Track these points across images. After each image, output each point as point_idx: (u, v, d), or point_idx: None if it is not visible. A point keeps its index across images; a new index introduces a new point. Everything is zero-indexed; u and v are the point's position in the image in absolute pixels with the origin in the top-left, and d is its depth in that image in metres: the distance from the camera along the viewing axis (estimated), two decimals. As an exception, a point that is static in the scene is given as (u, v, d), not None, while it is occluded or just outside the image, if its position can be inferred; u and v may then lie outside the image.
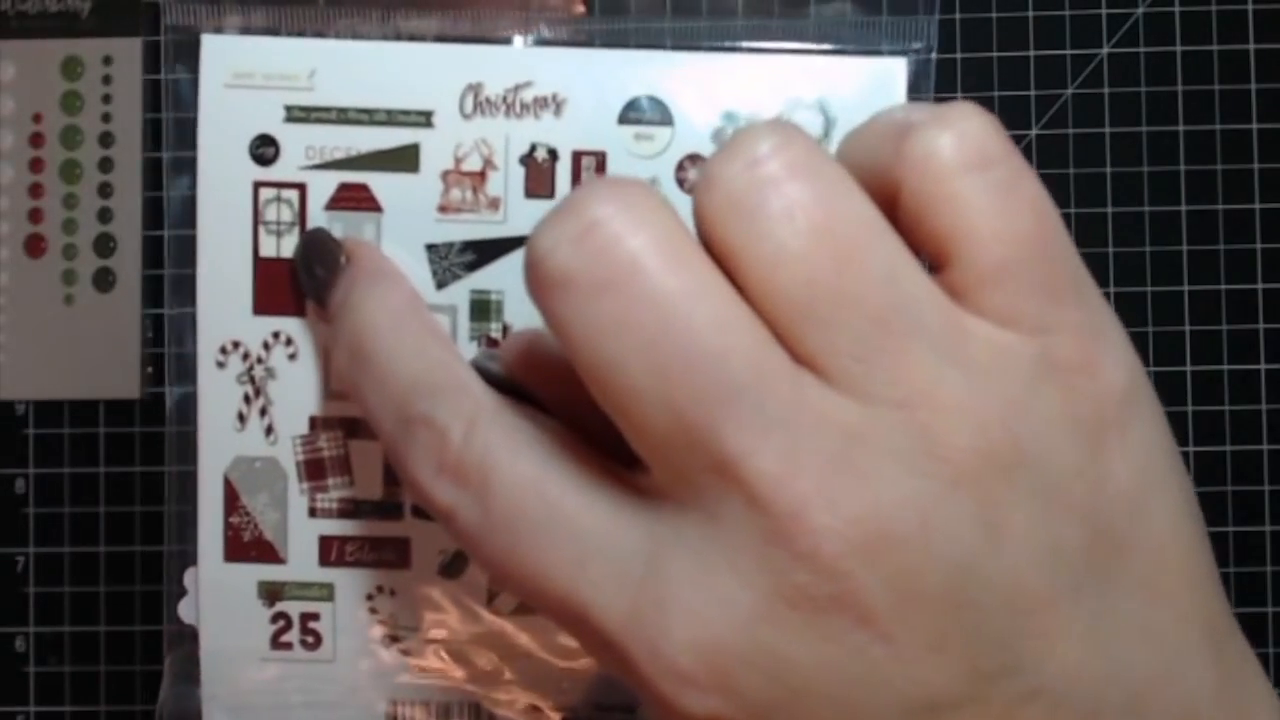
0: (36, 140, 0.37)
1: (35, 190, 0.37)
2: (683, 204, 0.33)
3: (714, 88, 0.31)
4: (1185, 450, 0.41)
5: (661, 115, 0.31)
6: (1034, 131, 0.41)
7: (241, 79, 0.30)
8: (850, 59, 0.31)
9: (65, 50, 0.37)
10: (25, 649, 0.38)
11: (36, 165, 0.37)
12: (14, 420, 0.39)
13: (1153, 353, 0.40)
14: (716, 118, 0.31)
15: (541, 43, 0.31)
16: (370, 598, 0.31)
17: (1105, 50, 0.40)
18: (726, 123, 0.31)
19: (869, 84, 0.31)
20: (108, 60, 0.36)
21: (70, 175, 0.37)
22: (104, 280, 0.36)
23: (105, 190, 0.37)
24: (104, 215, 0.37)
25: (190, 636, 0.32)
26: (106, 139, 0.36)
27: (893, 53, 0.31)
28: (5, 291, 0.38)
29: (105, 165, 0.37)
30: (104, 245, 0.36)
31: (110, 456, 0.37)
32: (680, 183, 0.31)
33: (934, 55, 0.34)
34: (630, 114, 0.30)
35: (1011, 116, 0.40)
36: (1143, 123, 0.40)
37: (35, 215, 0.37)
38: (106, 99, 0.36)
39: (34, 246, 0.37)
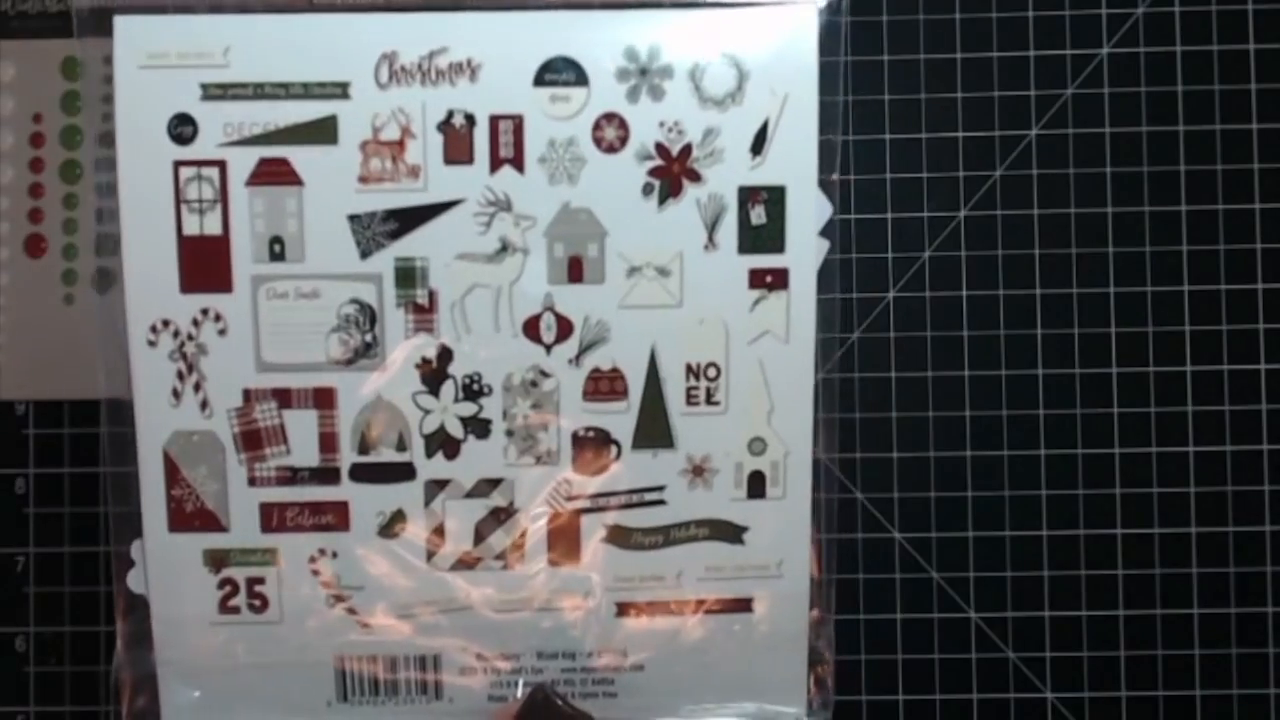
0: (36, 140, 0.37)
1: (35, 190, 0.37)
2: (599, 163, 0.31)
3: (628, 45, 0.31)
4: (1185, 450, 0.40)
5: (576, 75, 0.31)
6: (1034, 131, 0.40)
7: (156, 59, 0.31)
8: (761, 9, 0.32)
9: (65, 50, 0.37)
10: (25, 649, 0.38)
11: (36, 165, 0.37)
12: (14, 420, 0.40)
13: (1153, 353, 0.40)
14: (632, 76, 0.31)
15: (455, 8, 0.31)
16: (313, 560, 0.32)
17: (1105, 50, 0.40)
18: (641, 80, 0.31)
19: (781, 34, 0.32)
20: (108, 60, 0.36)
21: (70, 175, 0.37)
22: (104, 280, 0.37)
23: (105, 190, 0.37)
24: (104, 215, 0.37)
25: (143, 603, 0.32)
26: (107, 139, 0.37)
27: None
28: (5, 291, 0.38)
29: (105, 165, 0.37)
30: (104, 245, 0.37)
31: (110, 457, 0.38)
32: (597, 142, 0.31)
33: (847, 19, 0.34)
34: (545, 76, 0.31)
35: (1011, 116, 0.40)
36: (1143, 123, 0.39)
37: (35, 215, 0.37)
38: (106, 99, 0.36)
39: (34, 246, 0.37)
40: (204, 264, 0.31)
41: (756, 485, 0.33)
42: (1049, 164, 0.40)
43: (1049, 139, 0.40)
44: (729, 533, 0.33)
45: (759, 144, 0.32)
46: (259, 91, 0.31)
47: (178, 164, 0.31)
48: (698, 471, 0.32)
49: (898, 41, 0.40)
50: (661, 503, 0.32)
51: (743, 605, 0.33)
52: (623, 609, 0.33)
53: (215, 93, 0.31)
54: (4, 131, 0.38)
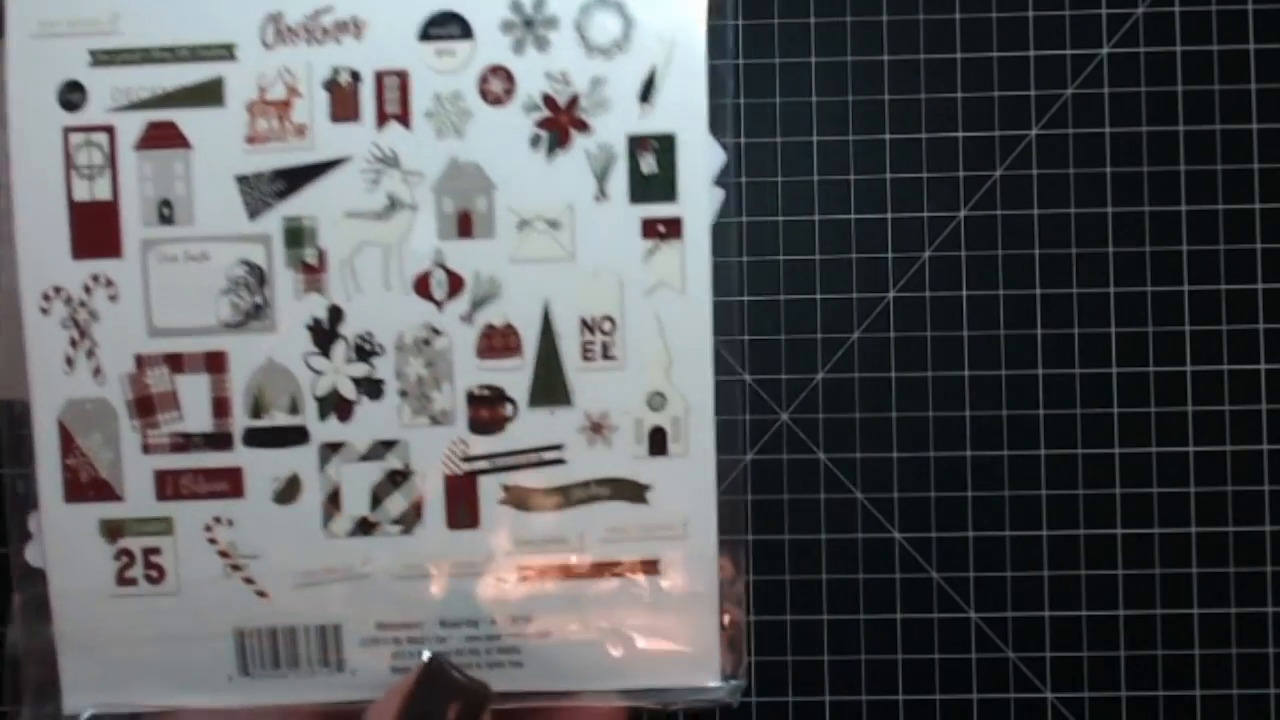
0: None
1: None
2: (486, 116, 0.30)
3: None
4: (1185, 450, 0.40)
5: (461, 29, 0.30)
6: (1034, 131, 0.40)
7: (47, 28, 0.30)
8: None
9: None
10: None
11: None
12: (14, 420, 0.40)
13: (1153, 353, 0.40)
14: (517, 28, 0.31)
15: None
16: (209, 529, 0.31)
17: (1105, 50, 0.39)
18: (526, 32, 0.30)
19: None
20: None
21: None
22: None
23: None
24: None
25: (41, 576, 0.31)
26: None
27: None
28: (4, 291, 0.39)
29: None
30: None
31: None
32: (484, 95, 0.31)
33: None
34: (430, 30, 0.30)
35: (1011, 116, 0.39)
36: (1143, 123, 0.39)
37: None
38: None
39: None
40: (94, 229, 0.31)
41: (658, 442, 0.32)
42: (1049, 164, 0.39)
43: (1049, 139, 0.40)
44: (631, 492, 0.32)
45: (647, 92, 0.31)
46: (146, 56, 0.30)
47: (67, 130, 0.31)
48: (596, 429, 0.31)
49: (897, 41, 0.40)
50: (560, 462, 0.32)
51: (649, 567, 0.32)
52: (525, 573, 0.32)
53: (104, 59, 0.30)
54: (4, 132, 0.38)
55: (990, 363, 0.39)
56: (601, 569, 0.32)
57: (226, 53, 0.31)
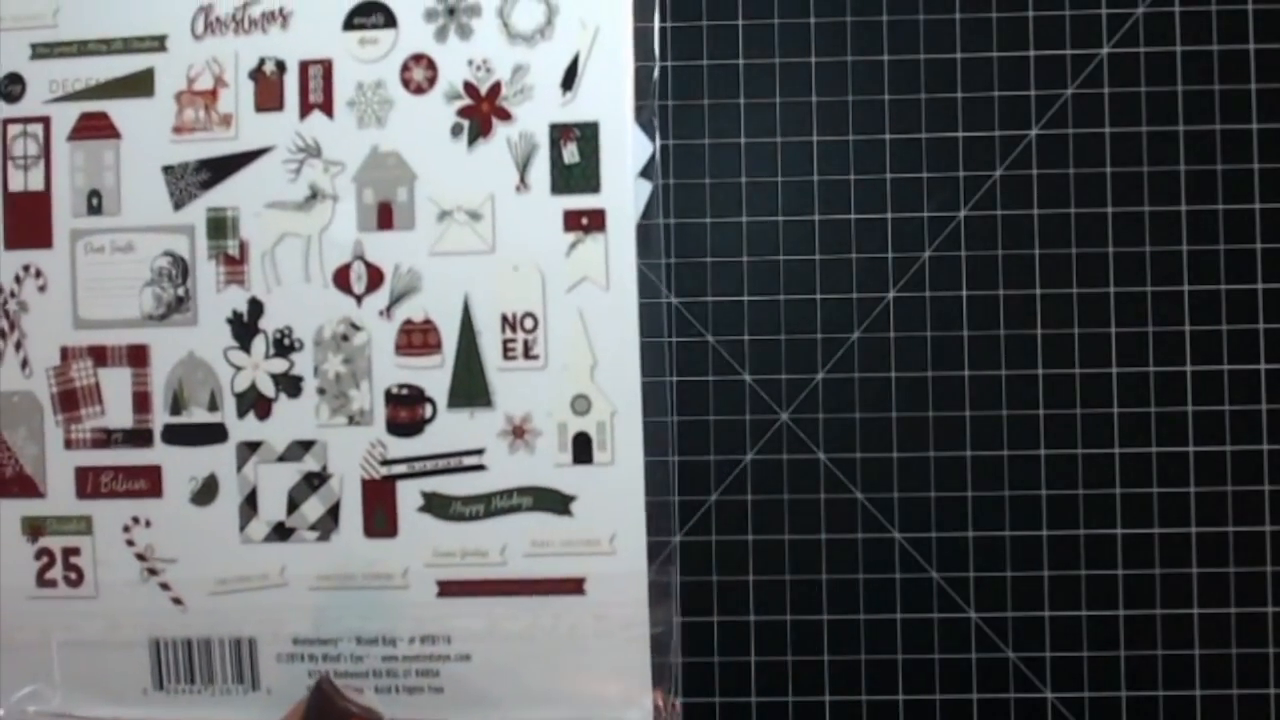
0: None
1: None
2: (408, 104, 0.30)
3: None
4: (1185, 450, 0.39)
5: (385, 18, 0.30)
6: (1034, 131, 0.39)
7: None
8: None
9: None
10: None
11: None
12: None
13: (1153, 353, 0.39)
14: (440, 15, 0.30)
15: None
16: (127, 529, 0.31)
17: (1105, 50, 0.38)
18: (449, 19, 0.30)
19: None
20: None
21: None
22: None
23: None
24: None
25: None
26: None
27: None
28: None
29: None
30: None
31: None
32: (405, 84, 0.30)
33: None
34: (355, 19, 0.31)
35: (1011, 116, 0.38)
36: (1143, 123, 0.38)
37: None
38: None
39: None
40: (27, 220, 0.31)
41: (582, 449, 0.31)
42: (1049, 164, 0.39)
43: (1049, 139, 0.39)
44: (555, 502, 0.31)
45: (570, 79, 0.31)
46: (83, 48, 0.31)
47: (5, 122, 0.31)
48: (518, 433, 0.31)
49: (897, 41, 0.40)
50: (481, 468, 0.31)
51: (573, 585, 0.31)
52: (445, 588, 0.31)
53: (43, 51, 0.31)
54: None
55: (990, 363, 0.39)
56: (524, 586, 0.31)
57: (158, 44, 0.31)
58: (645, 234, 0.38)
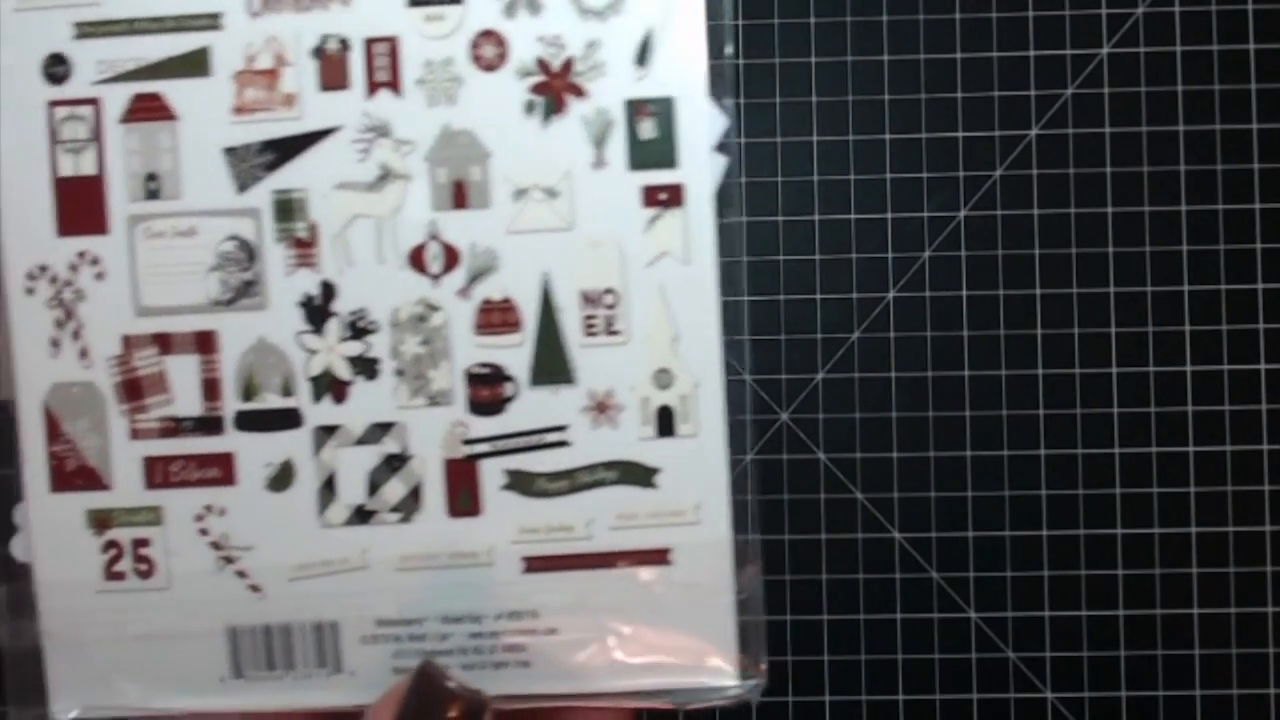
0: None
1: None
2: (479, 82, 0.29)
3: None
4: (1185, 450, 0.40)
5: None
6: (1034, 131, 0.39)
7: (30, 1, 0.30)
8: None
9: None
10: None
11: None
12: (13, 420, 0.40)
13: (1153, 353, 0.39)
14: None
15: None
16: (200, 518, 0.30)
17: (1105, 50, 0.38)
18: None
19: None
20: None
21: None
22: None
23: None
24: None
25: (26, 572, 0.30)
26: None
27: None
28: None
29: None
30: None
31: None
32: (476, 61, 0.29)
33: None
34: None
35: (1011, 116, 0.38)
36: (1143, 123, 0.38)
37: None
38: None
39: None
40: (80, 205, 0.30)
41: (665, 422, 0.31)
42: (1049, 164, 0.39)
43: (1049, 139, 0.40)
44: (639, 475, 0.30)
45: (643, 54, 0.30)
46: (131, 27, 0.30)
47: (52, 104, 0.30)
48: (601, 408, 0.30)
49: (897, 41, 0.40)
50: (565, 444, 0.30)
51: (659, 556, 0.31)
52: (531, 564, 0.31)
53: (88, 31, 0.30)
54: None
55: (990, 363, 0.39)
56: (610, 559, 0.30)
57: (212, 22, 0.30)
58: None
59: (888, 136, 0.39)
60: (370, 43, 0.30)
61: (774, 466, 0.38)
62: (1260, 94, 0.38)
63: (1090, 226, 0.38)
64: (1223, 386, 0.38)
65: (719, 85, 0.31)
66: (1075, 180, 0.38)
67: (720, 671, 0.32)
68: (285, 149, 0.30)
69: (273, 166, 0.30)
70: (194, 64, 0.30)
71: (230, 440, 0.30)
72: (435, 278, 0.31)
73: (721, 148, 0.31)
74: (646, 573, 0.31)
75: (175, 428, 0.31)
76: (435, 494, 0.31)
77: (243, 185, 0.30)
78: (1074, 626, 0.38)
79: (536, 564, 0.31)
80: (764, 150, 0.39)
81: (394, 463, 0.31)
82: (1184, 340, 0.38)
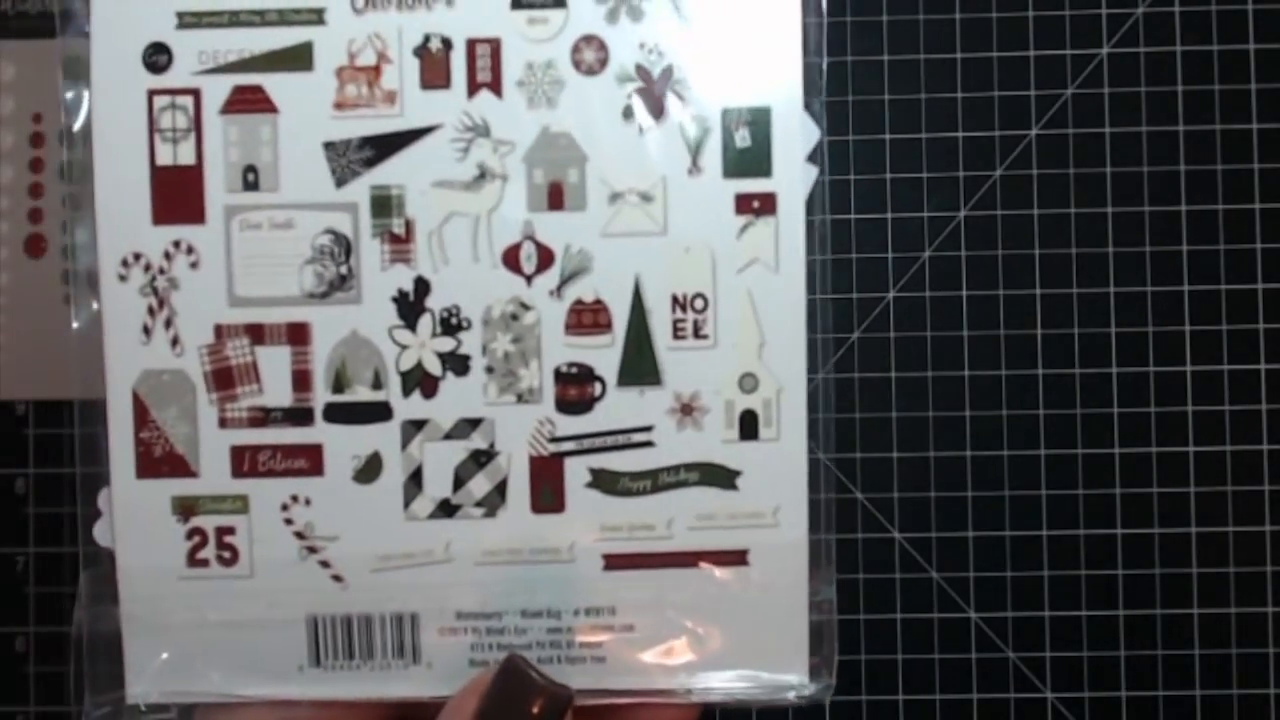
0: (37, 140, 0.37)
1: (35, 190, 0.37)
2: (579, 86, 0.30)
3: None
4: (1185, 450, 0.40)
5: None
6: (1034, 131, 0.39)
7: None
8: None
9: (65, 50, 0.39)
10: (25, 649, 0.38)
11: (37, 165, 0.37)
12: (14, 420, 0.40)
13: (1153, 353, 0.40)
14: None
15: None
16: (285, 508, 0.30)
17: (1105, 50, 0.39)
18: (620, 1, 0.30)
19: None
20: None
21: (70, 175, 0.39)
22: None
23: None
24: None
25: (108, 557, 0.30)
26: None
27: None
28: (5, 291, 0.38)
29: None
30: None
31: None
32: (576, 65, 0.30)
33: None
34: None
35: (1011, 116, 0.39)
36: (1143, 123, 0.39)
37: (35, 215, 0.37)
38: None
39: (34, 246, 0.37)
40: (177, 195, 0.30)
41: (749, 425, 0.31)
42: (1049, 164, 0.39)
43: (1049, 139, 0.40)
44: (721, 477, 0.31)
45: (742, 64, 0.31)
46: (234, 19, 0.30)
47: (152, 93, 0.30)
48: (686, 410, 0.31)
49: (898, 41, 0.40)
50: (649, 444, 0.31)
51: (738, 558, 0.31)
52: (611, 561, 0.31)
53: (190, 21, 0.30)
54: (4, 131, 0.37)
55: (990, 363, 0.39)
56: (689, 558, 0.31)
57: (316, 17, 0.30)
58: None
59: (888, 136, 0.39)
60: (472, 43, 0.31)
61: (774, 466, 0.38)
62: (1260, 94, 0.39)
63: (1090, 226, 0.38)
64: (1223, 386, 0.38)
65: (813, 95, 0.32)
66: (1075, 180, 0.38)
67: (792, 672, 0.32)
68: (384, 145, 0.31)
69: (371, 162, 0.30)
70: (296, 58, 0.30)
71: (319, 431, 0.31)
72: (528, 277, 0.31)
73: (813, 158, 0.32)
74: (724, 573, 0.32)
75: (264, 418, 0.31)
76: (520, 490, 0.32)
77: (341, 180, 0.30)
78: (1074, 626, 0.39)
79: (616, 561, 0.32)
80: (764, 150, 0.39)
81: (480, 458, 0.31)
82: (1184, 340, 0.38)
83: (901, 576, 0.39)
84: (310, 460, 0.31)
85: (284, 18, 0.30)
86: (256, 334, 0.30)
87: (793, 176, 0.32)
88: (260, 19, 0.30)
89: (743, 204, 0.31)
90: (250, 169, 0.30)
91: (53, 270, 0.38)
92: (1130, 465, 0.39)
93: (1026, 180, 0.39)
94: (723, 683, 0.32)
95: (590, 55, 0.30)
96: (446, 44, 0.30)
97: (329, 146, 0.30)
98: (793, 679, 0.32)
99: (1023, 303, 0.39)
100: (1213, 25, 0.39)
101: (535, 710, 0.27)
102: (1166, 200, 0.39)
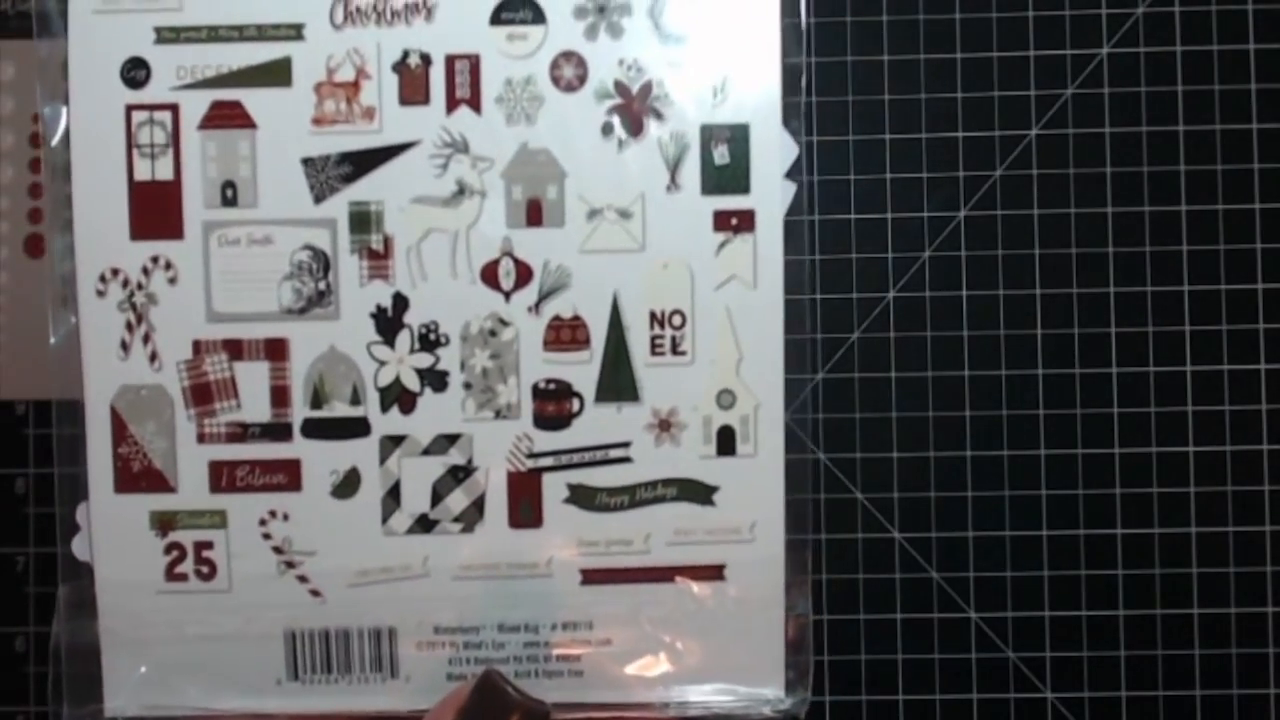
0: (36, 140, 0.36)
1: (35, 190, 0.36)
2: (558, 102, 0.29)
3: None
4: (1185, 450, 0.39)
5: (533, 13, 0.30)
6: (1034, 131, 0.39)
7: (110, 4, 0.30)
8: None
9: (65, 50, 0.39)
10: (25, 649, 0.37)
11: (36, 165, 0.36)
12: (14, 420, 0.40)
13: (1153, 353, 0.39)
14: (590, 13, 0.30)
15: None
16: (263, 523, 0.31)
17: (1105, 50, 0.39)
18: (600, 18, 0.30)
19: None
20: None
21: (70, 175, 0.39)
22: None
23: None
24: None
25: (87, 571, 0.31)
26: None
27: None
28: (5, 291, 0.38)
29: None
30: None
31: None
32: (555, 81, 0.30)
33: None
34: (502, 14, 0.30)
35: (1011, 116, 0.39)
36: (1143, 123, 0.39)
37: (35, 215, 0.36)
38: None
39: (34, 246, 0.36)
40: (155, 210, 0.30)
41: (726, 442, 0.32)
42: (1049, 164, 0.39)
43: (1049, 139, 0.40)
44: (698, 493, 0.31)
45: (721, 82, 0.31)
46: (212, 34, 0.30)
47: (130, 108, 0.30)
48: (664, 426, 0.31)
49: (897, 41, 0.40)
50: (627, 460, 0.31)
51: (714, 572, 0.32)
52: (588, 576, 0.31)
53: (169, 36, 0.30)
54: (4, 131, 0.36)
55: (990, 363, 0.40)
56: (667, 573, 0.31)
57: (295, 32, 0.30)
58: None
59: (888, 136, 0.39)
60: (451, 59, 0.31)
61: (774, 466, 0.38)
62: (1260, 94, 0.39)
63: (1090, 226, 0.39)
64: (1223, 386, 0.39)
65: (791, 114, 0.32)
66: (1075, 180, 0.39)
67: (769, 686, 0.32)
68: (363, 161, 0.31)
69: (350, 178, 0.31)
70: (275, 74, 0.31)
71: (297, 447, 0.31)
72: (507, 294, 0.31)
73: (791, 175, 0.32)
74: (701, 588, 0.32)
75: (243, 433, 0.31)
76: (498, 505, 0.32)
77: (319, 196, 0.31)
78: (1074, 626, 0.39)
79: (594, 576, 0.32)
80: (764, 150, 0.39)
81: (458, 473, 0.32)
82: (1184, 340, 0.38)
83: (901, 576, 0.39)
84: (288, 475, 0.31)
85: (263, 33, 0.30)
86: (235, 349, 0.31)
87: (771, 193, 0.32)
88: (239, 34, 0.30)
89: (721, 221, 0.32)
90: (229, 185, 0.31)
91: (53, 271, 0.38)
92: (1130, 465, 0.39)
93: (1026, 180, 0.39)
94: (700, 696, 0.32)
95: (569, 72, 0.31)
96: (425, 60, 0.31)
97: (307, 162, 0.30)
98: (769, 693, 0.32)
99: (1023, 303, 0.39)
100: (1213, 25, 0.39)
101: None
102: (1166, 200, 0.39)
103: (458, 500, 0.32)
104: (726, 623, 0.32)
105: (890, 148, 0.39)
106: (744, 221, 0.32)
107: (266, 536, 0.31)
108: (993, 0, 0.39)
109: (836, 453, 0.39)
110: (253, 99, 0.30)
